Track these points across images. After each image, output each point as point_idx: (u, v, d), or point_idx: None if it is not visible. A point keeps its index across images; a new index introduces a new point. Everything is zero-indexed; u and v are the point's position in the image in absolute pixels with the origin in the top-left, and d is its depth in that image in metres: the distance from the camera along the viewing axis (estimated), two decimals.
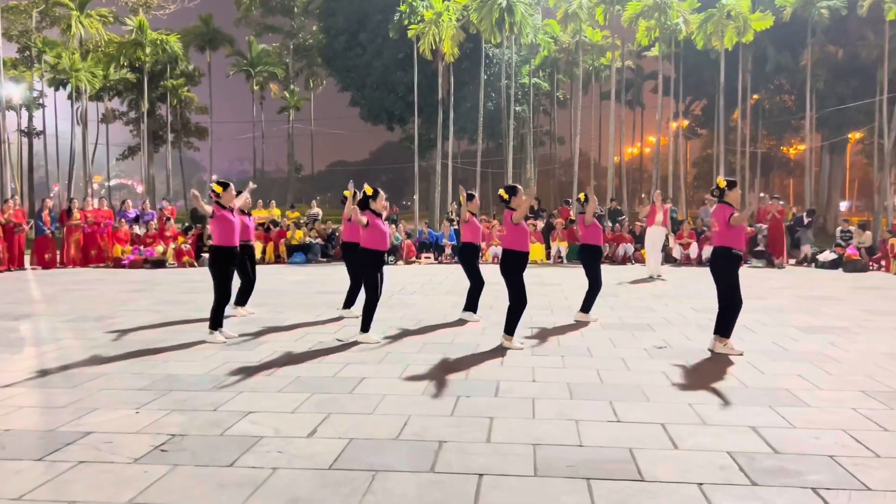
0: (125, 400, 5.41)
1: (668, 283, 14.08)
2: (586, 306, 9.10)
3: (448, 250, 19.48)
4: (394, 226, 20.51)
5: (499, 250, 18.68)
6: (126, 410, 5.13)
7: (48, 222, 17.55)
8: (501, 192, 7.52)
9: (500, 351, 7.17)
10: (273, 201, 22.10)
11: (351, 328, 8.39)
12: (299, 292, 12.40)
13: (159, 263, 17.83)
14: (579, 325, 8.86)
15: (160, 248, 18.11)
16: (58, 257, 17.83)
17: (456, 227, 19.41)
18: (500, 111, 34.29)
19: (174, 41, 37.99)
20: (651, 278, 14.74)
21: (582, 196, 9.27)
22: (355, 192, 8.21)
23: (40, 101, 43.71)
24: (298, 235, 19.33)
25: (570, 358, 6.89)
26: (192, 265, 18.10)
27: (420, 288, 13.11)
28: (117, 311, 10.15)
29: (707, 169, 48.19)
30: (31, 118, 43.02)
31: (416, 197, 31.78)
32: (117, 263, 17.78)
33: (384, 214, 7.86)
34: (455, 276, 15.34)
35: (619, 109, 35.65)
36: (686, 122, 42.02)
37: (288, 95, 45.98)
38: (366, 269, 7.62)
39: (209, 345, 7.47)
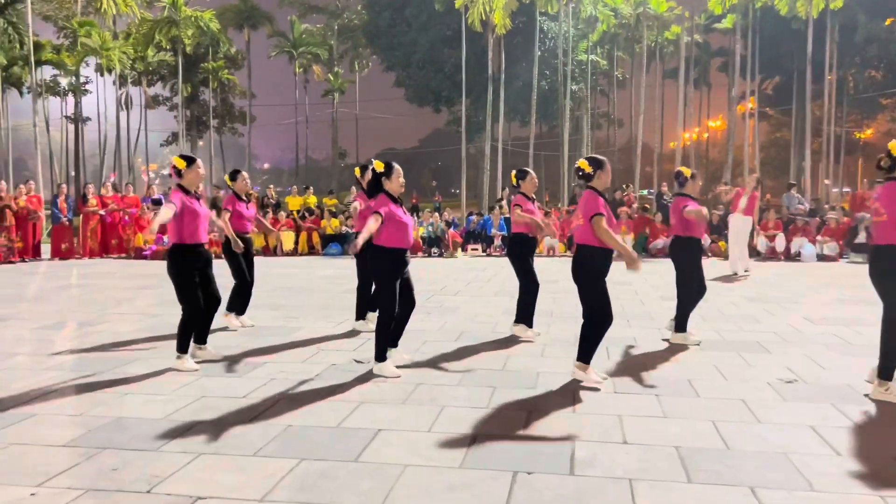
0: (32, 465, 3.73)
1: (759, 281, 11.90)
2: (682, 322, 6.97)
3: (498, 241, 17.56)
4: (436, 214, 18.66)
5: (555, 243, 16.70)
6: (19, 490, 3.44)
7: (64, 209, 16.29)
8: (582, 164, 5.37)
9: (570, 388, 5.26)
10: (310, 188, 20.52)
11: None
12: (325, 291, 10.66)
13: None
14: (672, 345, 6.87)
15: None
16: (75, 247, 16.54)
17: (507, 214, 17.48)
18: (555, 90, 32.02)
19: (209, 17, 36.59)
20: (735, 275, 12.62)
21: (687, 171, 7.09)
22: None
23: (86, 87, 43.16)
24: (334, 224, 17.67)
25: (669, 399, 4.94)
26: (218, 257, 16.56)
27: (465, 287, 11.24)
28: (107, 314, 8.57)
29: (776, 154, 44.92)
30: (77, 104, 42.48)
31: (463, 181, 29.72)
32: (138, 254, 16.41)
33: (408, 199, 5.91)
34: (506, 272, 13.41)
35: (684, 88, 33.00)
36: (755, 102, 38.96)
37: (332, 78, 44.39)
38: (380, 276, 5.58)
39: (190, 363, 5.78)
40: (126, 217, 16.96)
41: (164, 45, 36.74)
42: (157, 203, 18.27)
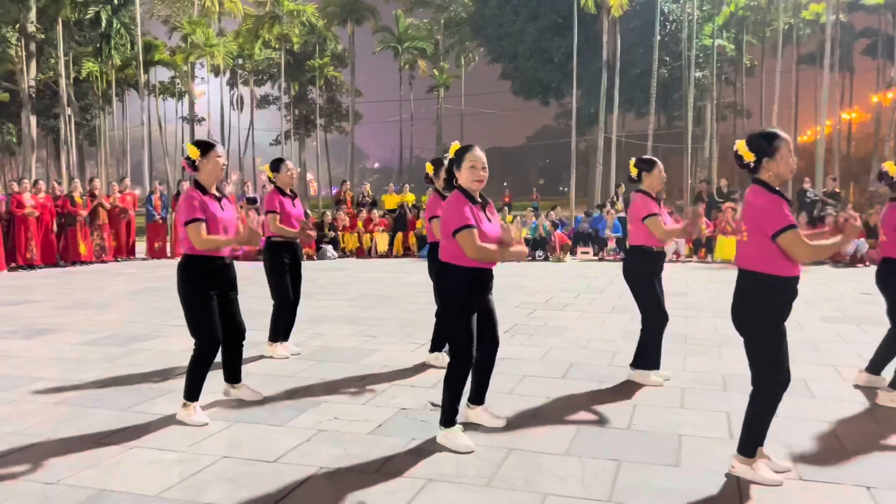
0: None
1: None
2: (878, 364, 5.11)
3: (612, 244, 15.74)
4: (539, 213, 17.01)
5: (679, 245, 14.73)
6: None
7: (158, 207, 15.85)
8: (741, 147, 3.44)
9: (734, 490, 3.61)
10: (407, 185, 19.37)
11: None
12: (412, 302, 9.31)
13: None
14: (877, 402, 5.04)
15: None
16: (168, 246, 16.10)
17: (623, 213, 15.67)
18: (676, 78, 29.45)
19: (311, 11, 36.25)
20: None
21: (893, 168, 5.09)
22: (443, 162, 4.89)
23: (201, 87, 44.25)
24: None
25: (889, 497, 3.23)
26: (310, 258, 15.72)
27: (574, 299, 9.61)
28: (165, 327, 7.58)
29: None
30: (192, 104, 43.60)
31: (572, 178, 27.73)
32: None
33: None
34: (622, 279, 11.69)
35: (822, 74, 29.61)
36: None
37: (437, 73, 43.34)
38: (448, 307, 3.88)
39: (199, 415, 4.49)
40: None
41: (273, 43, 36.84)
42: (252, 202, 17.64)
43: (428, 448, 3.91)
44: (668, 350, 5.54)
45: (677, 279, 11.46)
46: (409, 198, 18.88)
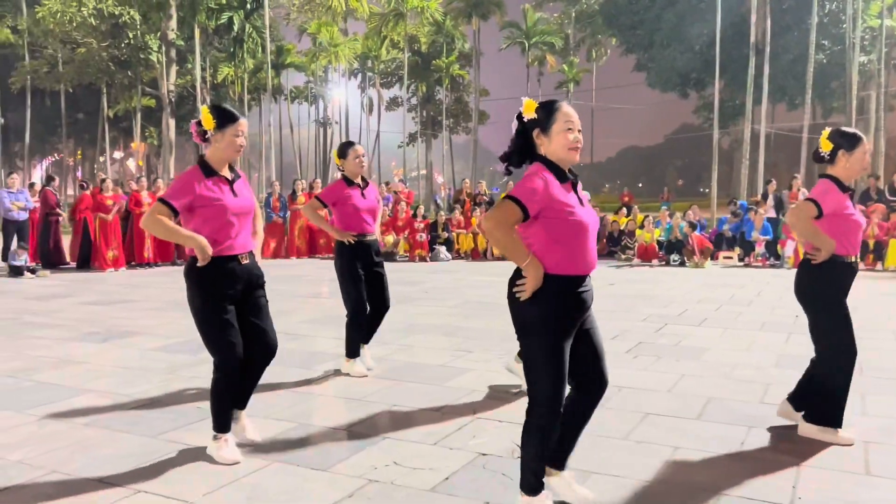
0: None
1: None
2: None
3: (760, 248, 13.87)
4: (676, 215, 15.31)
5: None
6: None
7: (276, 208, 15.68)
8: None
9: None
10: (510, 182, 18.25)
11: None
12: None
13: (387, 256, 14.95)
14: None
15: (390, 239, 15.24)
16: (284, 246, 15.88)
17: (772, 214, 13.76)
18: (837, 65, 26.30)
19: (434, 7, 35.71)
20: None
21: None
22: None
23: (334, 91, 45.12)
24: None
25: None
26: (423, 259, 14.99)
27: (714, 312, 8.15)
28: None
29: None
30: (325, 108, 44.60)
31: (713, 176, 25.28)
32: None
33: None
34: (773, 289, 10.03)
35: None
36: None
37: (566, 68, 41.67)
38: (527, 329, 2.75)
39: (230, 451, 3.63)
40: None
41: (401, 44, 36.75)
42: None
43: None
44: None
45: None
46: None
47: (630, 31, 31.21)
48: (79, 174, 47.64)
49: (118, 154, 49.88)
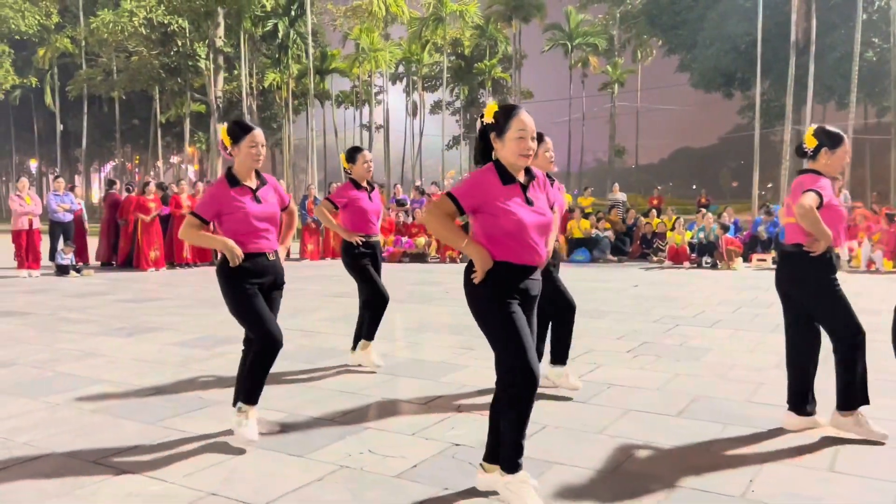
0: None
1: None
2: None
3: None
4: (709, 215, 15.12)
5: (877, 255, 12.40)
6: None
7: (311, 211, 16.02)
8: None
9: None
10: (562, 185, 18.20)
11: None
12: None
13: (419, 257, 15.19)
14: None
15: (421, 241, 15.46)
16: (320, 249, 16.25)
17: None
18: (887, 62, 25.43)
19: (473, 10, 35.82)
20: None
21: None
22: None
23: (378, 96, 45.70)
24: (584, 226, 15.13)
25: None
26: (453, 261, 15.14)
27: (731, 314, 8.10)
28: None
29: None
30: (371, 112, 45.16)
31: (755, 177, 24.73)
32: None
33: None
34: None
35: None
36: None
37: (611, 69, 41.29)
38: (480, 309, 3.00)
39: (251, 429, 3.84)
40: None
41: (446, 47, 36.95)
42: (401, 203, 17.46)
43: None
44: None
45: (869, 294, 9.47)
46: (566, 198, 17.76)
47: (672, 31, 30.78)
48: (136, 178, 49.33)
49: (175, 159, 51.50)
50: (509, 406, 2.94)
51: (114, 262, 14.27)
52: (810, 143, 3.97)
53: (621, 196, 17.95)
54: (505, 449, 2.99)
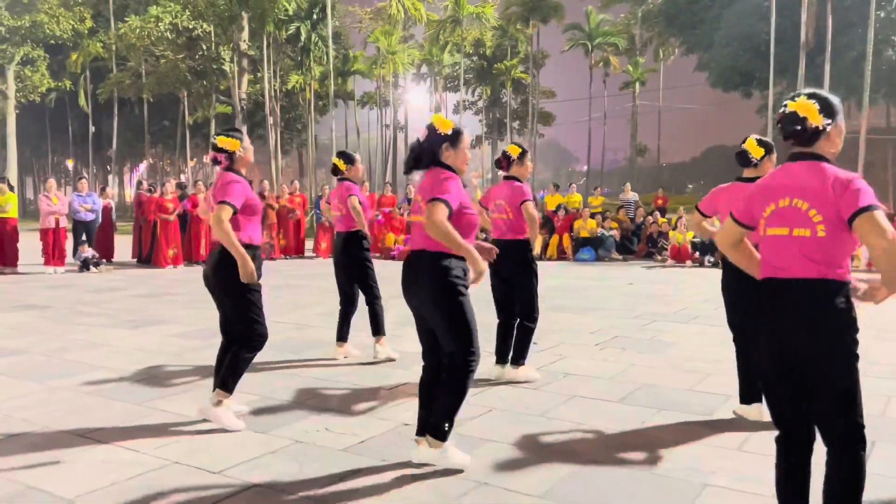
0: None
1: None
2: None
3: None
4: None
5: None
6: None
7: (325, 209, 16.52)
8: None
9: None
10: (574, 185, 18.52)
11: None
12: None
13: None
14: None
15: None
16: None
17: None
18: None
19: (490, 12, 36.14)
20: None
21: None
22: None
23: (404, 96, 46.22)
24: (590, 225, 15.38)
25: None
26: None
27: (712, 311, 8.34)
28: None
29: None
30: (395, 113, 45.70)
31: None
32: (387, 255, 16.00)
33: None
34: None
35: None
36: None
37: (632, 69, 41.28)
38: (449, 293, 3.47)
39: (233, 418, 4.27)
40: (379, 217, 16.72)
41: (467, 48, 37.34)
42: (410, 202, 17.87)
43: (386, 472, 3.38)
44: None
45: None
46: (576, 198, 18.02)
47: (690, 30, 30.80)
48: (165, 179, 50.55)
49: (206, 158, 52.68)
50: (464, 381, 3.37)
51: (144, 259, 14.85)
52: (757, 153, 4.06)
53: (632, 196, 18.14)
54: (443, 421, 3.39)
